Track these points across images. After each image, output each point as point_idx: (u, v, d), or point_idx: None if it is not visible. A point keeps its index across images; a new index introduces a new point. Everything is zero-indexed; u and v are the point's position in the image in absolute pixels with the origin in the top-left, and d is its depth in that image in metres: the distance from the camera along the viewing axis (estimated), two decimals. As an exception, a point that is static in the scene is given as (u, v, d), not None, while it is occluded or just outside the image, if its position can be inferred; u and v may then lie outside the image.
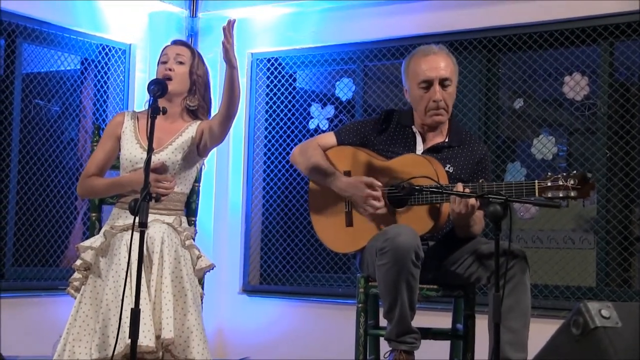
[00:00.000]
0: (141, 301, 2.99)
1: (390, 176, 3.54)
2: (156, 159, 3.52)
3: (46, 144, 5.43)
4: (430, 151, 3.63)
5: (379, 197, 3.51)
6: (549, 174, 3.26)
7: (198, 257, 3.42)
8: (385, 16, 5.53)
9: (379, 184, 3.52)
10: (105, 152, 3.65)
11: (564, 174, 3.22)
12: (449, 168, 3.59)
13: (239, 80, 3.46)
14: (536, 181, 3.26)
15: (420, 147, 3.65)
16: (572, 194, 3.20)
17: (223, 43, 3.34)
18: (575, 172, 3.23)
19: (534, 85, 5.20)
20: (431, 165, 3.48)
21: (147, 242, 3.25)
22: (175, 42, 3.76)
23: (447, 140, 3.66)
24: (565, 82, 5.10)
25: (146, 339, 3.09)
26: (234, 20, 3.37)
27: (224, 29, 3.32)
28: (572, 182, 3.20)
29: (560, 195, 3.21)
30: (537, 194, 3.25)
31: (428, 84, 3.58)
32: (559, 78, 5.13)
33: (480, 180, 3.37)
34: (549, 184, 3.23)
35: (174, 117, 3.61)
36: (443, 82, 3.58)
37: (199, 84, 3.67)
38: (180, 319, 3.25)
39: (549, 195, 3.22)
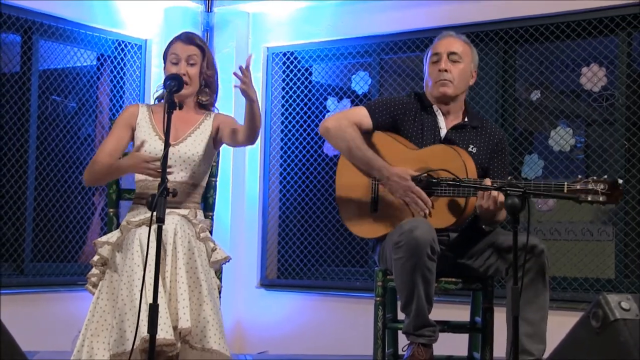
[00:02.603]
0: (163, 298, 3.03)
1: (420, 166, 3.54)
2: (176, 150, 3.55)
3: (63, 140, 5.45)
4: (454, 129, 3.65)
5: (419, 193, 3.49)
6: (579, 176, 3.25)
7: (213, 250, 3.42)
8: (401, 9, 5.51)
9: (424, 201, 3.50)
10: (117, 140, 3.62)
11: (594, 177, 3.21)
12: (472, 148, 3.61)
13: (259, 112, 3.51)
14: (565, 183, 3.25)
15: (442, 125, 3.66)
16: (601, 199, 3.19)
17: (240, 78, 3.34)
18: (606, 177, 3.23)
19: (551, 76, 5.17)
20: (460, 157, 3.48)
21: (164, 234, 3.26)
22: (183, 40, 3.67)
23: (466, 119, 3.70)
24: (582, 73, 5.07)
25: (163, 332, 3.10)
26: (251, 56, 3.42)
27: (240, 67, 3.31)
28: (601, 186, 3.19)
29: (589, 199, 3.19)
30: None
31: (438, 57, 3.67)
32: (576, 69, 5.10)
33: (510, 177, 3.36)
34: (579, 187, 3.22)
35: (187, 109, 3.63)
36: (451, 56, 3.65)
37: (209, 82, 3.71)
38: (196, 309, 3.25)
39: (578, 197, 3.22)
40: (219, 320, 3.29)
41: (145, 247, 3.23)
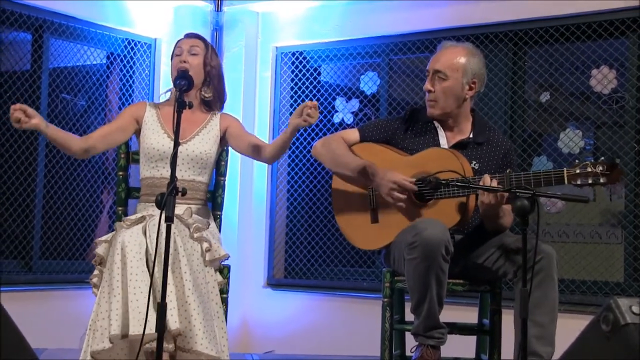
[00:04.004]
0: (144, 293, 3.09)
1: (416, 171, 3.52)
2: (184, 149, 3.57)
3: (72, 138, 5.46)
4: (455, 147, 3.61)
5: (404, 192, 3.49)
6: (577, 161, 3.26)
7: (206, 250, 3.38)
8: (410, 9, 5.50)
9: (411, 186, 3.49)
10: (117, 125, 3.66)
11: (592, 160, 3.22)
12: (474, 165, 3.57)
13: (289, 143, 3.64)
14: (565, 169, 3.26)
15: (443, 141, 3.64)
16: (602, 179, 3.21)
17: (306, 118, 3.40)
18: (603, 158, 3.25)
19: (560, 78, 5.16)
20: (457, 159, 3.46)
21: (148, 233, 3.27)
22: (188, 35, 3.80)
23: (471, 136, 3.65)
24: (592, 75, 5.05)
25: (141, 328, 3.10)
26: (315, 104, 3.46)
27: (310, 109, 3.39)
28: (600, 168, 3.21)
29: (590, 181, 3.21)
30: (566, 182, 3.25)
31: (427, 75, 3.65)
32: (586, 71, 5.08)
33: (508, 170, 3.36)
34: (578, 171, 3.23)
35: (193, 108, 3.63)
36: (436, 74, 3.61)
37: (212, 75, 3.72)
38: (180, 310, 3.25)
39: (578, 182, 3.23)
40: (204, 320, 3.24)
41: (127, 246, 3.22)
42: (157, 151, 3.60)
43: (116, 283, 3.20)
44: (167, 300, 3.17)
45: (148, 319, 3.08)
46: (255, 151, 3.67)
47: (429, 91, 3.61)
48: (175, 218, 3.33)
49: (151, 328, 3.09)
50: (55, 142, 3.57)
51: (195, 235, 3.38)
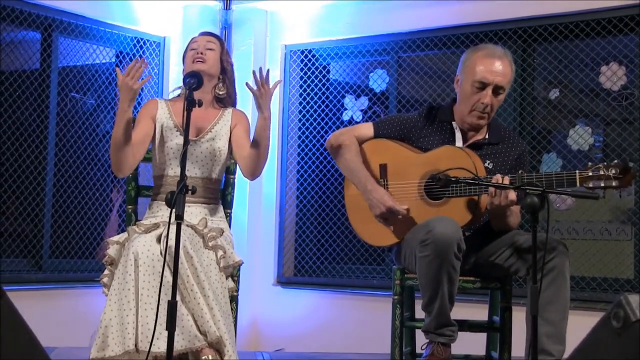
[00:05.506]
0: (154, 309, 3.08)
1: (428, 169, 3.52)
2: (197, 146, 3.57)
3: (82, 137, 5.48)
4: (470, 147, 3.60)
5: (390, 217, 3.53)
6: (590, 163, 3.23)
7: (221, 257, 3.37)
8: (420, 7, 5.50)
9: (403, 212, 3.51)
10: (142, 131, 3.60)
11: (605, 163, 3.19)
12: (488, 164, 3.57)
13: (269, 135, 3.48)
14: (577, 171, 3.23)
15: (459, 143, 3.62)
16: (614, 183, 3.18)
17: (254, 91, 3.36)
18: (616, 161, 3.21)
19: (569, 75, 5.14)
20: (469, 157, 3.46)
21: (162, 244, 3.25)
22: (205, 33, 3.80)
23: (487, 137, 3.64)
24: (601, 72, 5.04)
25: (121, 345, 3.12)
26: (267, 71, 3.41)
27: (260, 69, 3.36)
28: (613, 171, 3.18)
29: (602, 185, 3.18)
30: (578, 184, 3.22)
31: (482, 86, 3.54)
32: (595, 68, 5.07)
33: (520, 172, 3.35)
34: (590, 173, 3.21)
35: (205, 104, 3.61)
36: (497, 90, 3.55)
37: (228, 72, 3.73)
38: (211, 322, 3.25)
39: (590, 185, 3.20)
40: (227, 329, 3.26)
41: (140, 255, 3.21)
42: (171, 149, 3.59)
43: (131, 295, 3.19)
44: (200, 311, 3.19)
45: (157, 337, 3.08)
46: (238, 156, 3.63)
47: (487, 105, 3.56)
48: (190, 228, 3.33)
49: (159, 347, 3.10)
50: (125, 133, 3.39)
51: (210, 243, 3.38)
